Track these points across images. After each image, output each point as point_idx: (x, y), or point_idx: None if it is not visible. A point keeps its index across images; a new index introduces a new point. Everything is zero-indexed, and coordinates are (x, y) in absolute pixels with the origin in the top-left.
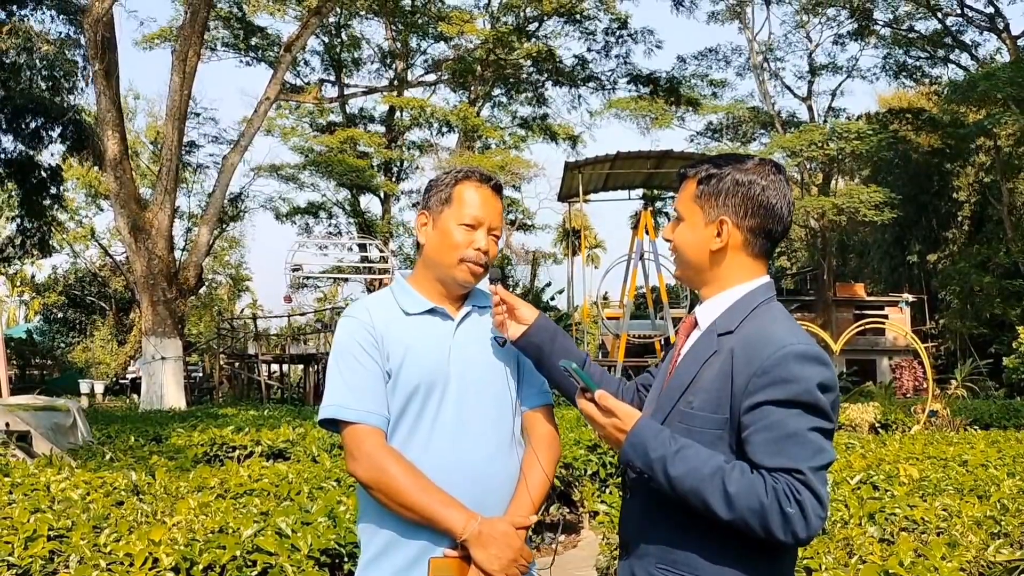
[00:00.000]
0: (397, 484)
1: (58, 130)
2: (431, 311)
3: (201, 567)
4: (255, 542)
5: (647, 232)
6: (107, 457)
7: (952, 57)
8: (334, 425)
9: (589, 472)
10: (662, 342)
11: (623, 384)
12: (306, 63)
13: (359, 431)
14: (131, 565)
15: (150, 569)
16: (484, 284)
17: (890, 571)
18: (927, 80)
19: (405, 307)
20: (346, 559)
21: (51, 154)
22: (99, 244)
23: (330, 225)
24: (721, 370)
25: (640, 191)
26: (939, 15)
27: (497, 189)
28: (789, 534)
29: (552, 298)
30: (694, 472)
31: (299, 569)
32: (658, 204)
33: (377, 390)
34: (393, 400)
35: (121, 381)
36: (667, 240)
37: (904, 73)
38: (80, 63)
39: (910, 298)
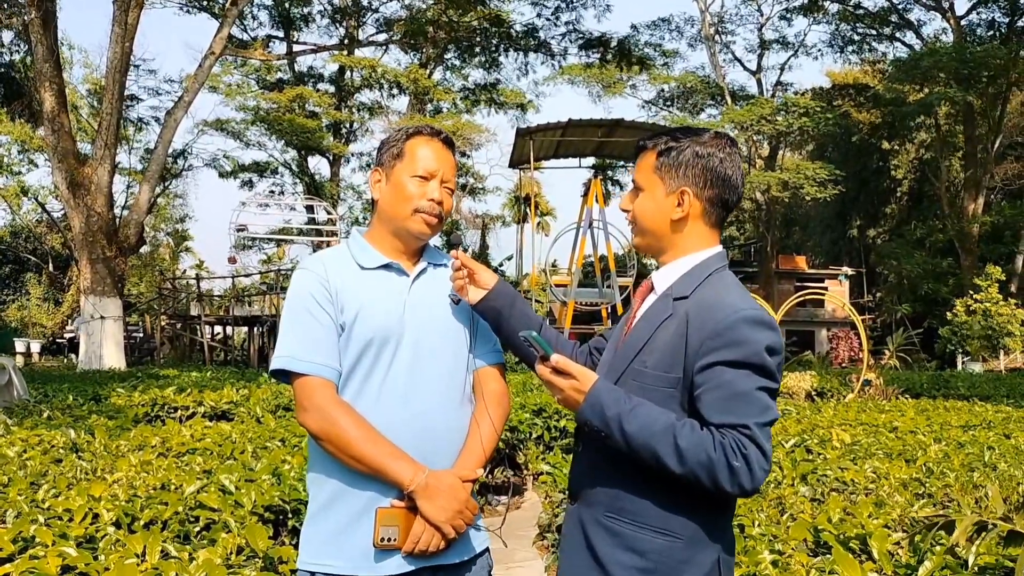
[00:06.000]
0: (347, 436)
1: None
2: (386, 266)
3: (143, 522)
4: (198, 498)
5: (597, 200)
6: (45, 415)
7: (898, 35)
8: (285, 376)
9: (534, 435)
10: (609, 309)
11: (577, 347)
12: (253, 17)
13: (310, 383)
14: (71, 520)
15: (90, 524)
16: (437, 240)
17: (819, 527)
18: (871, 57)
19: (361, 261)
20: (290, 515)
21: None
22: (36, 200)
23: (274, 183)
24: (676, 332)
25: (591, 160)
26: None
27: (448, 143)
28: (736, 486)
29: (501, 264)
30: (647, 428)
31: (242, 524)
32: (608, 173)
33: (330, 343)
34: (346, 354)
35: (58, 341)
36: (624, 211)
37: (850, 48)
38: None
39: (850, 272)
